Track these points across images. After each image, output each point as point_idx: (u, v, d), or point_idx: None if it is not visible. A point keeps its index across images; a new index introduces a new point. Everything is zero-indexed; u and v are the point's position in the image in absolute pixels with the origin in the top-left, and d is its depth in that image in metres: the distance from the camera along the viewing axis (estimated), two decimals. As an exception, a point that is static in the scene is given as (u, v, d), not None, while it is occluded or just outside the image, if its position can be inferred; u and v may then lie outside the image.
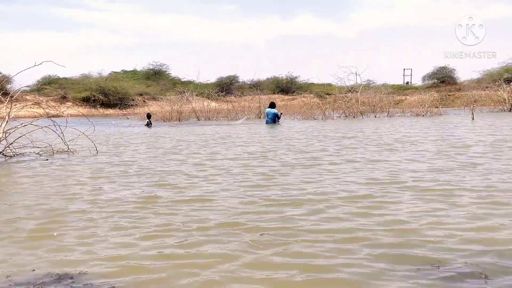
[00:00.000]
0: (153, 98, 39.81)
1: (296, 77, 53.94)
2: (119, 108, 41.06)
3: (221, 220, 3.60)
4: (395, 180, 5.03)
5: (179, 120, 23.19)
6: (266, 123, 17.74)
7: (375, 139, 9.80)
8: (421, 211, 3.75)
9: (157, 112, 25.07)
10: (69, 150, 8.63)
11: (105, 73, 48.59)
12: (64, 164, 7.15)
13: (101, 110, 40.81)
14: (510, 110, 24.03)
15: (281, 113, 18.92)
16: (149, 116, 20.19)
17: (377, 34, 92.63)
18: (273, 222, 3.51)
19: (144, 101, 37.15)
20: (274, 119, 17.68)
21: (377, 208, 3.88)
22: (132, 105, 36.23)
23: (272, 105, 18.32)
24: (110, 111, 41.09)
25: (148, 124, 19.12)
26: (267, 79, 54.58)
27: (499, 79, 30.69)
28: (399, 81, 59.03)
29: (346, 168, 5.95)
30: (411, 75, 60.99)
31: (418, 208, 3.85)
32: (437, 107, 23.20)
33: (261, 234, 3.21)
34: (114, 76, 48.68)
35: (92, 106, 41.09)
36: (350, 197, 4.28)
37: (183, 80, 49.94)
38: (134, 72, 54.36)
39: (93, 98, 41.40)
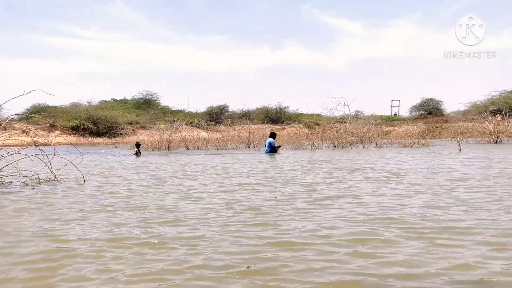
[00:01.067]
0: (143, 127, 39.86)
1: (285, 107, 54.53)
2: (108, 137, 40.91)
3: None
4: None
5: (168, 149, 23.17)
6: (265, 152, 18.39)
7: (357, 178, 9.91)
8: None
9: (146, 141, 25.07)
10: (56, 179, 8.53)
11: (95, 101, 48.68)
12: (48, 195, 7.00)
13: (90, 139, 40.63)
14: (496, 142, 24.52)
15: (279, 146, 19.34)
16: (138, 145, 20.14)
17: (365, 65, 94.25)
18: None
19: (133, 130, 37.22)
20: (271, 149, 18.32)
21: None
22: (121, 133, 36.19)
23: (272, 135, 19.04)
24: (99, 139, 40.92)
25: (137, 153, 19.06)
26: (257, 108, 55.05)
27: (485, 111, 31.36)
28: (387, 112, 60.25)
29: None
30: (399, 106, 62.33)
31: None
32: (425, 138, 23.58)
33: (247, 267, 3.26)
34: (104, 105, 48.66)
35: (81, 135, 40.92)
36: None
37: (173, 109, 50.29)
38: (124, 101, 54.51)
39: (82, 127, 41.27)
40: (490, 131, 25.16)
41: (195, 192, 6.89)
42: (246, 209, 5.30)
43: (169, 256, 3.51)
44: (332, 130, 23.53)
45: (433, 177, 8.27)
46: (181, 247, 3.76)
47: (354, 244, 3.71)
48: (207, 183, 8.03)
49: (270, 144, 18.45)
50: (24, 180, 8.55)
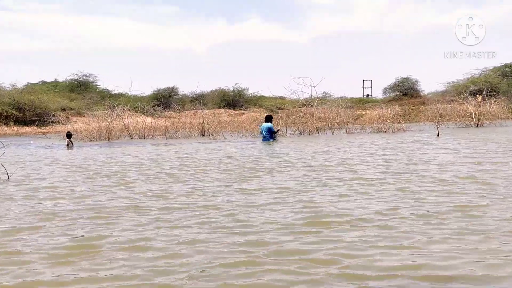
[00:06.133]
0: (78, 114, 38.90)
1: (244, 89, 54.33)
2: (37, 126, 39.56)
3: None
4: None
5: (109, 139, 22.74)
6: (263, 140, 17.83)
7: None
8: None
9: (82, 129, 24.48)
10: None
11: (20, 84, 46.93)
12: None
13: (15, 128, 39.20)
14: (477, 125, 25.24)
15: (278, 130, 19.14)
16: (69, 135, 19.72)
17: (335, 41, 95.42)
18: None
19: (67, 117, 36.15)
20: (271, 135, 17.91)
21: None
22: (52, 122, 34.99)
23: (268, 119, 18.56)
24: (26, 129, 39.55)
25: (69, 145, 18.70)
26: (212, 91, 54.60)
27: (465, 91, 32.20)
28: (359, 94, 61.19)
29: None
30: (371, 87, 63.47)
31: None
32: (400, 122, 23.96)
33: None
34: (31, 88, 46.96)
35: (4, 124, 39.40)
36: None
37: (113, 92, 48.98)
38: (55, 83, 52.93)
39: (5, 114, 39.68)
40: (471, 114, 25.89)
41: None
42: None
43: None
44: (297, 115, 23.53)
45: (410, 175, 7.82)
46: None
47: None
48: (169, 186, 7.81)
49: (269, 129, 17.92)
50: None
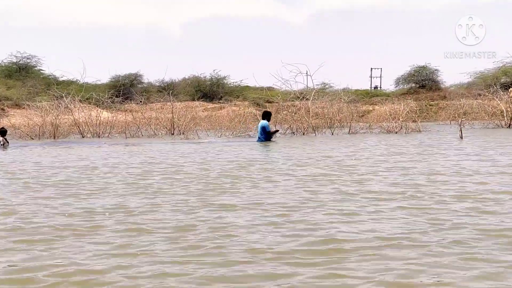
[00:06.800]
0: (17, 105, 38.42)
1: (224, 78, 53.83)
2: (-35, 120, 39.23)
3: None
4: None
5: (55, 137, 22.79)
6: (258, 140, 18.19)
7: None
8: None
9: (21, 125, 24.40)
10: None
11: None
12: None
13: None
14: (509, 126, 25.31)
15: (276, 131, 19.22)
16: (3, 132, 19.35)
17: (335, 20, 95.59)
18: None
19: (2, 109, 35.76)
20: (265, 136, 17.94)
21: None
22: (-18, 115, 34.72)
23: (266, 116, 18.59)
24: (-50, 123, 39.14)
25: (4, 144, 18.53)
26: (184, 79, 54.21)
27: (495, 83, 32.30)
28: (365, 85, 61.14)
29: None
30: (380, 76, 63.45)
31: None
32: (415, 121, 24.08)
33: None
34: (-43, 73, 46.65)
35: None
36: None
37: (61, 79, 48.57)
38: (-13, 67, 52.44)
39: None
40: (501, 111, 25.94)
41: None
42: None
43: None
44: (290, 110, 23.60)
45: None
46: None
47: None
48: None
49: (263, 128, 18.01)
50: None
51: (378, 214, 5.70)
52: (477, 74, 44.56)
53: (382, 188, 7.47)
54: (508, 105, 26.13)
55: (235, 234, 4.95)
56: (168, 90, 37.82)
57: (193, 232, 5.07)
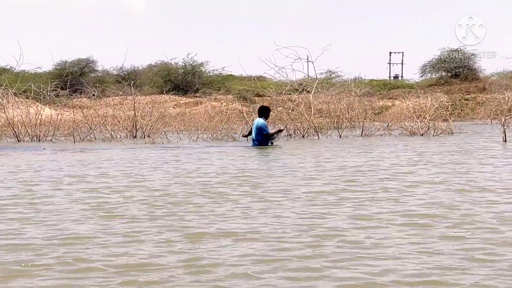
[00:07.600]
0: None
1: (202, 65, 54.59)
2: None
3: None
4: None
5: (-19, 141, 21.57)
6: (252, 144, 17.96)
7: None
8: None
9: None
10: None
11: None
12: None
13: None
14: None
15: (280, 131, 18.92)
16: None
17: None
18: None
19: None
20: (262, 138, 17.56)
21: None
22: None
23: (262, 111, 18.41)
24: None
25: None
26: (150, 66, 54.51)
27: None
28: (383, 74, 61.44)
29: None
30: (402, 63, 63.88)
31: None
32: (446, 120, 23.79)
33: None
34: None
35: None
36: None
37: (-9, 66, 48.69)
38: None
39: None
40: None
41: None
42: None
43: None
44: (285, 106, 23.21)
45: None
46: None
47: None
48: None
49: (259, 128, 17.52)
50: None
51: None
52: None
53: (407, 205, 7.04)
54: None
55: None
56: (129, 80, 37.55)
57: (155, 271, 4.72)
